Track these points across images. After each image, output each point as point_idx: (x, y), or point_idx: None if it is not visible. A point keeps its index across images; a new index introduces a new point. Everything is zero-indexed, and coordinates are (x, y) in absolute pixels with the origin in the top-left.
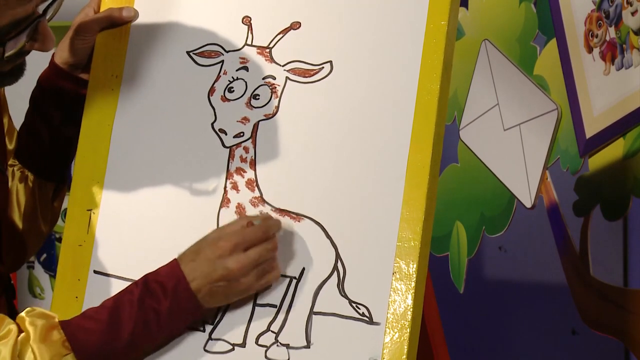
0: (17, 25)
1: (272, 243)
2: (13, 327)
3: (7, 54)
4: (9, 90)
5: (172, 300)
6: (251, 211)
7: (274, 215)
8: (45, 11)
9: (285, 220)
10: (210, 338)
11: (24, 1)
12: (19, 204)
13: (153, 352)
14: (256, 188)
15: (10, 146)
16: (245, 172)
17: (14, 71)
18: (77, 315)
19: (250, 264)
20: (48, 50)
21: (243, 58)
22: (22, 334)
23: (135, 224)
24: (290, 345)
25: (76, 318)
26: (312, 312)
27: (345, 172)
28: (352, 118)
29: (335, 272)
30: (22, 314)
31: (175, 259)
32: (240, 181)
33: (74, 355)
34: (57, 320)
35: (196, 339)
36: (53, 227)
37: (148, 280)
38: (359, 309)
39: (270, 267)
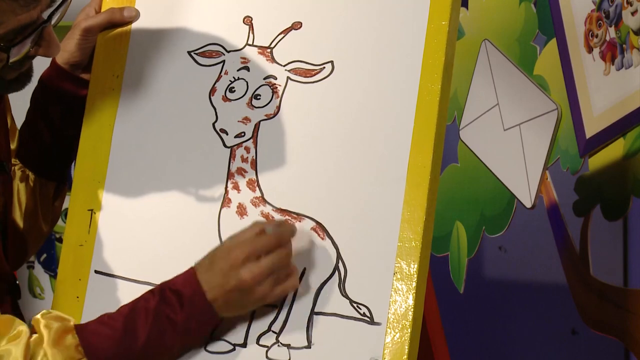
0: (22, 31)
1: (286, 249)
2: (23, 327)
3: (11, 60)
4: None
5: (189, 310)
6: (252, 211)
7: (276, 215)
8: (50, 17)
9: (286, 220)
10: (211, 338)
11: (29, 7)
12: (19, 203)
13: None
14: (257, 188)
15: (13, 145)
16: (246, 172)
17: (21, 78)
18: (92, 319)
19: (263, 273)
20: (53, 56)
21: (244, 58)
22: (36, 336)
23: (136, 223)
24: (291, 345)
25: (91, 323)
26: (313, 312)
27: (346, 172)
28: (353, 118)
29: (336, 272)
30: (38, 315)
31: (192, 267)
32: (241, 181)
33: None
34: (72, 323)
35: None
36: (53, 226)
37: (164, 289)
38: (360, 309)
39: (286, 275)
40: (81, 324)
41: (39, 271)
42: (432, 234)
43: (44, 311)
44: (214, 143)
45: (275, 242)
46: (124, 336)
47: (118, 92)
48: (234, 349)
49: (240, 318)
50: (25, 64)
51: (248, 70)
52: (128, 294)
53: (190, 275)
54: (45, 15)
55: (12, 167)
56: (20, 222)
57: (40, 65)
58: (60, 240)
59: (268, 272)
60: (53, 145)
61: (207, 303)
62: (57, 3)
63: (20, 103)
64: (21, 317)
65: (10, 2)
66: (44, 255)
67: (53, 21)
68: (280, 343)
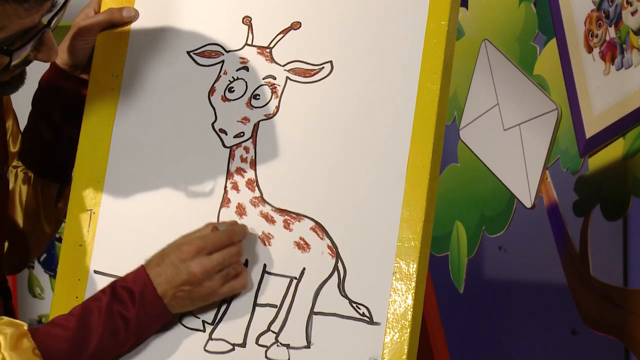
0: (24, 35)
1: (237, 247)
2: None
3: (12, 64)
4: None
5: (140, 306)
6: (251, 211)
7: (275, 215)
8: (49, 22)
9: (285, 220)
10: (210, 338)
11: (31, 11)
12: (21, 205)
13: (122, 356)
14: (256, 188)
15: (14, 149)
16: (245, 172)
17: (14, 81)
18: (45, 323)
19: (213, 268)
20: (51, 61)
21: (243, 58)
22: None
23: (135, 223)
24: (291, 345)
25: (44, 326)
26: (312, 312)
27: (346, 172)
28: (352, 118)
29: (336, 272)
30: None
31: (142, 265)
32: (241, 181)
33: None
34: (26, 328)
35: (196, 339)
36: (57, 228)
37: (116, 287)
38: (359, 309)
39: (235, 272)
40: (34, 328)
41: (39, 271)
42: (432, 234)
43: None
44: (213, 143)
45: (227, 239)
46: (78, 336)
47: (117, 92)
48: (233, 349)
49: (240, 318)
50: (23, 68)
51: (247, 70)
52: None
53: (140, 272)
54: (45, 20)
55: (15, 169)
56: (22, 223)
57: (40, 66)
58: (60, 240)
59: (218, 268)
60: (54, 146)
61: (158, 297)
62: (57, 8)
63: (22, 106)
64: (13, 318)
65: (15, 6)
66: (44, 255)
67: (52, 26)
68: (280, 343)
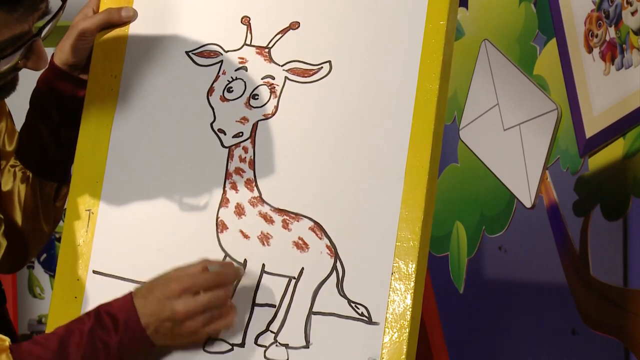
0: (13, 42)
1: (226, 291)
2: None
3: (0, 70)
4: None
5: (123, 334)
6: (250, 211)
7: (274, 215)
8: (40, 31)
9: (284, 220)
10: (209, 338)
11: (22, 19)
12: (20, 204)
13: None
14: (255, 188)
15: (10, 148)
16: (244, 172)
17: (6, 87)
18: (28, 340)
19: (197, 309)
20: (40, 69)
21: (242, 58)
22: None
23: (134, 223)
24: (290, 345)
25: (26, 343)
26: (311, 312)
27: (344, 172)
28: (351, 118)
29: (334, 272)
30: None
31: (130, 292)
32: (239, 181)
33: None
34: (7, 343)
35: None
36: (55, 227)
37: (100, 312)
38: (358, 308)
39: (221, 315)
40: (16, 344)
41: (39, 271)
42: (432, 234)
43: None
44: (211, 143)
45: (215, 281)
46: (57, 357)
47: (116, 92)
48: (232, 349)
49: (239, 318)
50: (12, 75)
51: (246, 70)
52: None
53: (127, 300)
54: (35, 29)
55: (13, 169)
56: (20, 222)
57: None
58: (60, 240)
59: (202, 309)
60: (52, 146)
61: (141, 327)
62: (48, 17)
63: (20, 105)
64: (7, 322)
65: (5, 15)
66: (44, 255)
67: (42, 35)
68: (279, 343)
